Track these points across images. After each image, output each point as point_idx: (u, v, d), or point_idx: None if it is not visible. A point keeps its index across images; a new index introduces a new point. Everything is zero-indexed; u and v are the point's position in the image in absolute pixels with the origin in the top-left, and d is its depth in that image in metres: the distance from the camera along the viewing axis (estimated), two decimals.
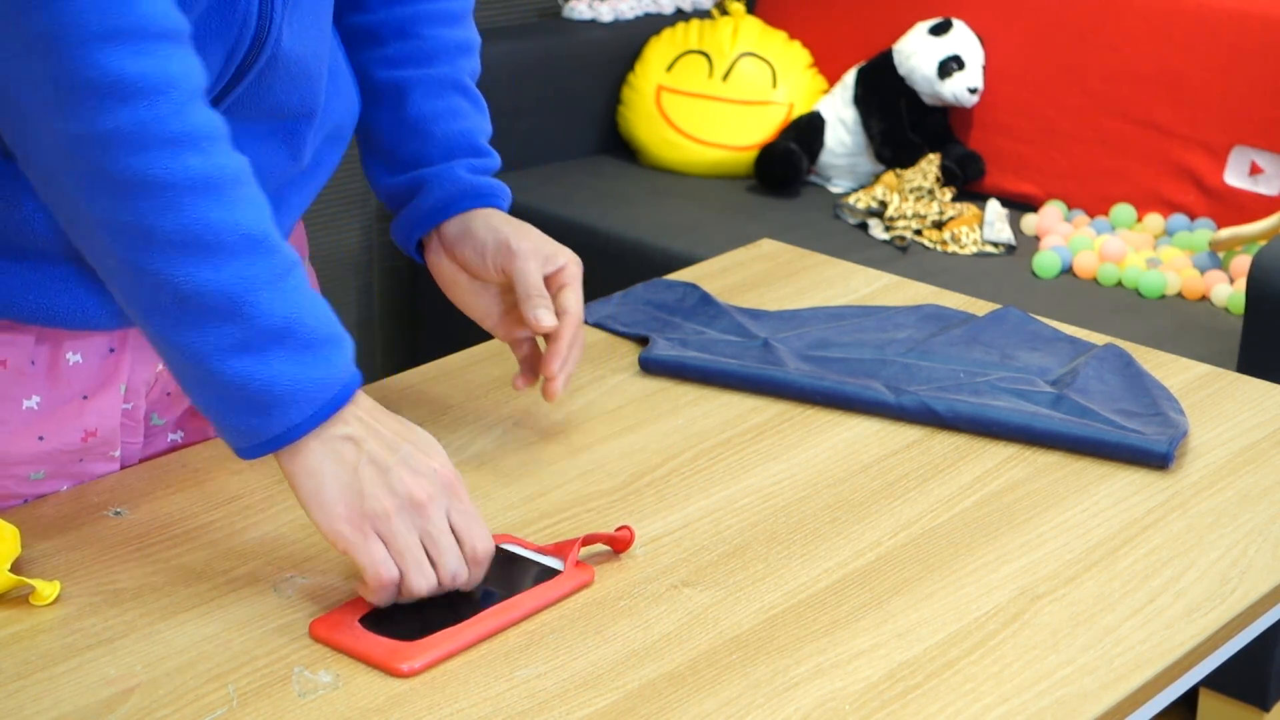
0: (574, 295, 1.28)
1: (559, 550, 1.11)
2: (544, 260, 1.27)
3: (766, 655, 1.03)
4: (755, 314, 1.51)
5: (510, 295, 1.29)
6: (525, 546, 1.13)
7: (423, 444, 1.07)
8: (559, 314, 1.26)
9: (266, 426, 1.02)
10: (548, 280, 1.28)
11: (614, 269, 2.71)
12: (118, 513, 1.17)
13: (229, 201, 1.00)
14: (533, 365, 1.31)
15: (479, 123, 1.34)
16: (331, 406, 1.03)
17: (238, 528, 1.16)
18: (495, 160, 1.35)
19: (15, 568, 1.08)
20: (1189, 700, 2.33)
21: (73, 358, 1.17)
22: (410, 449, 1.05)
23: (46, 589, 1.06)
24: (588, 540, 1.12)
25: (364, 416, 1.05)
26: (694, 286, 1.54)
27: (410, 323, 3.20)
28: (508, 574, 1.10)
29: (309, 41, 1.16)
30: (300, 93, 1.17)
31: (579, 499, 1.21)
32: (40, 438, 1.18)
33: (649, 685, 1.00)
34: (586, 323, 1.49)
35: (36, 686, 0.98)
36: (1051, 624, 1.07)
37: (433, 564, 1.05)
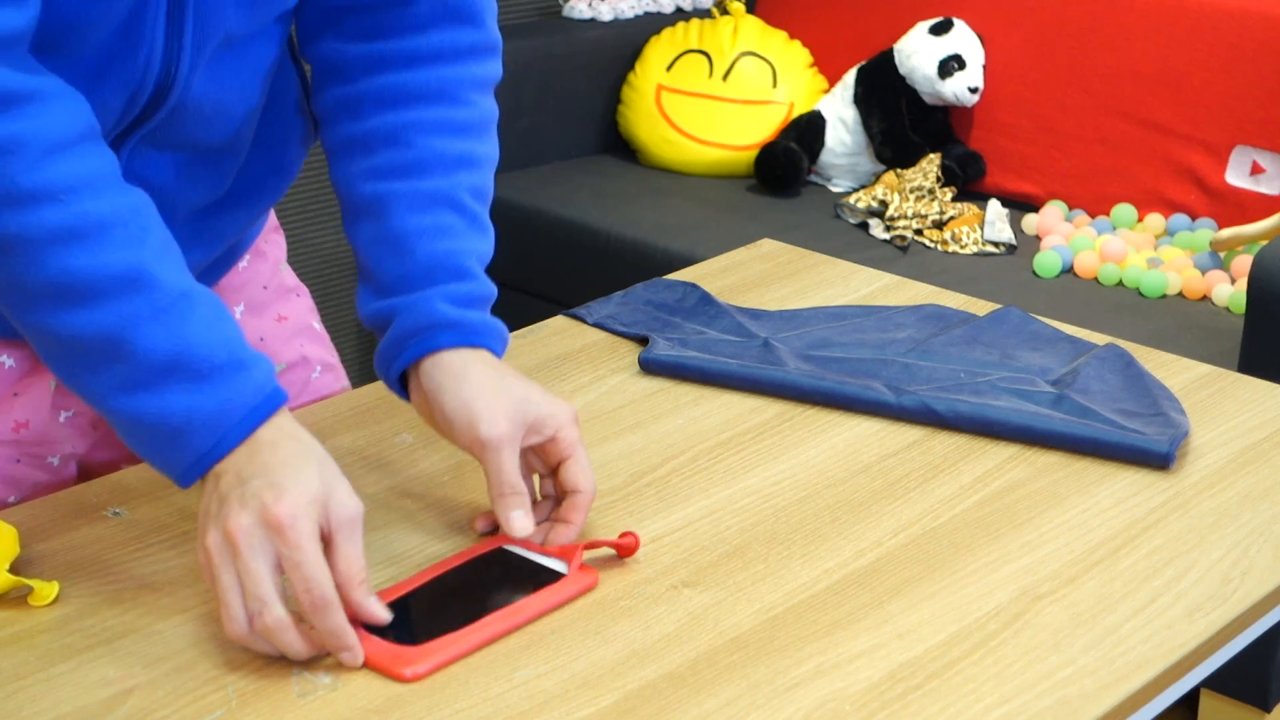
0: (578, 468, 1.12)
1: (563, 554, 1.11)
2: (529, 432, 1.12)
3: (766, 655, 1.03)
4: (755, 314, 1.51)
5: None
6: (529, 549, 1.13)
7: (279, 479, 0.98)
8: (570, 492, 1.12)
9: (178, 458, 1.01)
10: (545, 452, 1.14)
11: (614, 269, 2.71)
12: (117, 513, 1.17)
13: (95, 246, 0.97)
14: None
15: (472, 243, 1.17)
16: (240, 431, 1.00)
17: None
18: (484, 286, 1.17)
19: (14, 568, 1.08)
20: (1190, 701, 2.33)
21: (7, 361, 1.19)
22: (258, 484, 0.98)
23: (45, 589, 1.06)
24: (591, 545, 1.12)
25: (249, 443, 1.00)
26: (694, 286, 1.54)
27: None
28: (511, 578, 1.09)
29: (230, 89, 1.13)
30: (219, 130, 1.15)
31: None
32: None
33: (649, 685, 1.00)
34: (586, 323, 1.49)
35: (36, 687, 0.98)
36: (1052, 624, 1.07)
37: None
